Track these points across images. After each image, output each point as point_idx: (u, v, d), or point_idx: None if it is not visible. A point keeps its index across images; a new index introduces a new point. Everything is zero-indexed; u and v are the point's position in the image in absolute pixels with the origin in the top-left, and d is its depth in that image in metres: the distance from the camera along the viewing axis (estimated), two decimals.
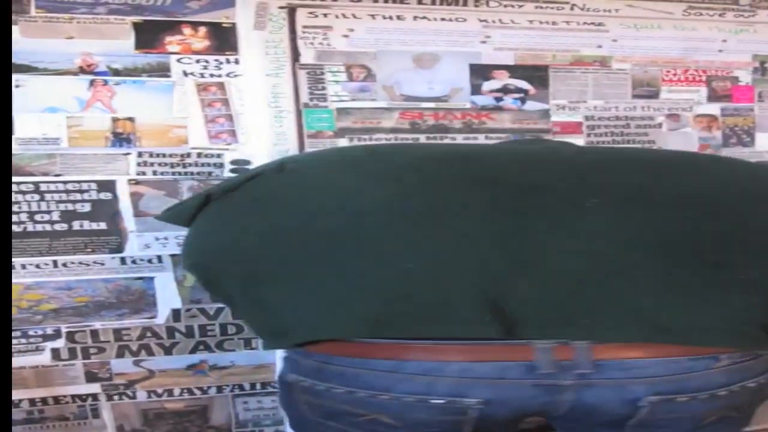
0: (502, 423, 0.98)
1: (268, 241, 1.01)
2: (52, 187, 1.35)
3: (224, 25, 1.41)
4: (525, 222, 0.99)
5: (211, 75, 1.41)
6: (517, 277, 0.96)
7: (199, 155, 1.41)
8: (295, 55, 1.45)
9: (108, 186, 1.38)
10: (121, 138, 1.38)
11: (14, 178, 1.33)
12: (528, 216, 1.00)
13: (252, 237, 1.03)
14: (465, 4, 1.52)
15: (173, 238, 1.41)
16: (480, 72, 1.55)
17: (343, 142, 1.48)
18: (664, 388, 0.94)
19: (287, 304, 0.99)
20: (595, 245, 0.98)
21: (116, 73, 1.37)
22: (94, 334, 1.42)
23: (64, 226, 1.37)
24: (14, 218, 1.34)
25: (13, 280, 1.36)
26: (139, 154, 1.39)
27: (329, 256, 0.98)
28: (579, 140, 1.60)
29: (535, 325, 0.94)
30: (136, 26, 1.37)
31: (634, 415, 0.96)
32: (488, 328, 0.93)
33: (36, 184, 1.35)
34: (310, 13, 1.45)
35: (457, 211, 1.00)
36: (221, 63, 1.41)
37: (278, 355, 1.47)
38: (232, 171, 1.42)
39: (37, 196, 1.35)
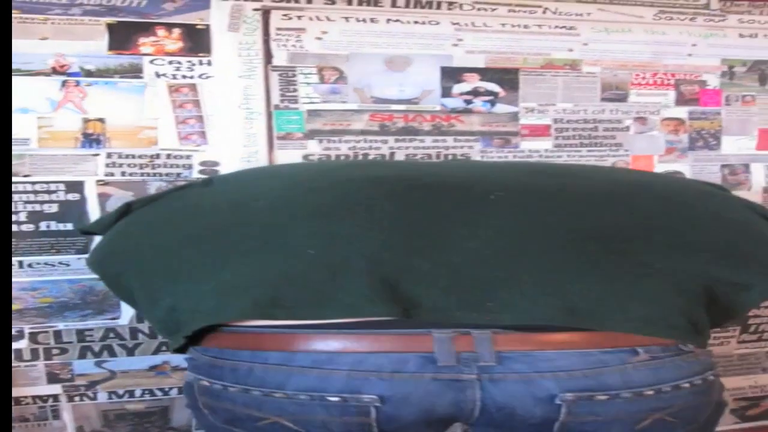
0: (411, 427, 1.02)
1: (170, 241, 1.18)
2: (20, 187, 1.52)
3: (198, 26, 1.59)
4: (426, 210, 1.14)
5: (184, 76, 1.59)
6: (417, 260, 1.06)
7: (168, 156, 1.60)
8: (268, 57, 1.64)
9: (76, 187, 1.56)
10: (91, 139, 1.55)
11: None
12: (429, 205, 1.15)
13: (156, 238, 1.20)
14: (438, 7, 1.73)
15: None
16: (451, 75, 1.76)
17: (312, 144, 1.68)
18: (577, 384, 0.99)
19: (184, 297, 1.09)
20: (499, 231, 1.10)
21: (89, 74, 1.54)
22: (57, 335, 1.60)
23: (30, 227, 1.54)
24: None
25: None
26: (108, 155, 1.56)
27: (225, 248, 1.11)
28: (547, 143, 1.83)
29: (435, 307, 1.02)
30: (110, 27, 1.55)
31: (556, 417, 1.00)
32: (384, 308, 1.00)
33: None
34: (284, 15, 1.65)
35: (357, 203, 1.15)
36: (194, 64, 1.60)
37: None
38: (200, 172, 1.65)
39: None
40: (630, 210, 1.20)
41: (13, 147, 1.51)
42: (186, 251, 1.15)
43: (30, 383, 1.63)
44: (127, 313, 1.63)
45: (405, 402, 0.99)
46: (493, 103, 1.79)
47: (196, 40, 1.61)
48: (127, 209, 1.31)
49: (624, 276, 1.09)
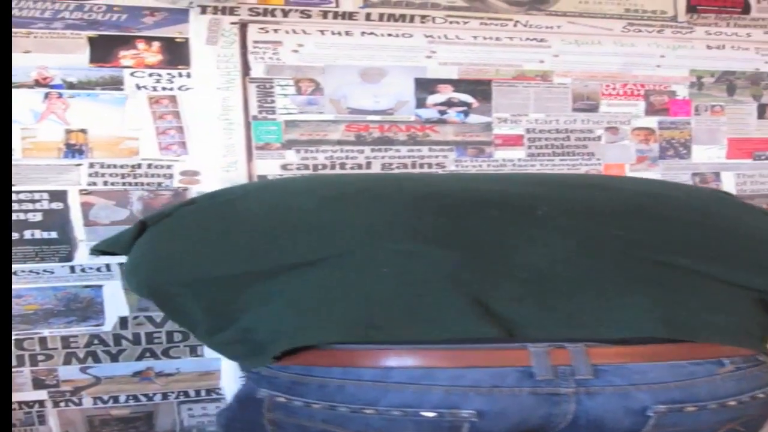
0: None
1: (230, 258, 1.13)
2: None
3: (177, 40, 1.63)
4: (484, 227, 1.14)
5: (164, 88, 1.62)
6: (498, 278, 1.06)
7: (149, 166, 1.63)
8: (246, 69, 1.68)
9: (60, 196, 1.58)
10: (73, 149, 1.58)
11: None
12: (485, 222, 1.15)
13: (211, 255, 1.15)
14: (411, 20, 1.77)
15: None
16: (425, 86, 1.79)
17: (290, 154, 1.71)
18: (670, 396, 0.99)
19: (262, 318, 1.07)
20: (564, 247, 1.11)
21: (71, 86, 1.57)
22: (42, 341, 1.62)
23: (15, 236, 1.56)
24: None
25: None
26: (91, 165, 1.59)
27: (296, 266, 1.09)
28: (520, 152, 1.86)
29: (533, 325, 1.01)
30: (91, 41, 1.58)
31: (641, 428, 1.00)
32: (487, 328, 0.99)
33: None
34: (261, 28, 1.68)
35: (415, 221, 1.14)
36: (173, 76, 1.63)
37: (224, 366, 1.72)
38: (181, 182, 1.65)
39: None
40: (674, 223, 1.22)
41: None
42: (253, 269, 1.13)
43: (16, 389, 1.64)
44: (110, 319, 1.65)
45: (501, 416, 0.98)
46: (466, 114, 1.82)
47: (176, 53, 1.64)
48: (143, 227, 1.26)
49: (700, 288, 1.11)
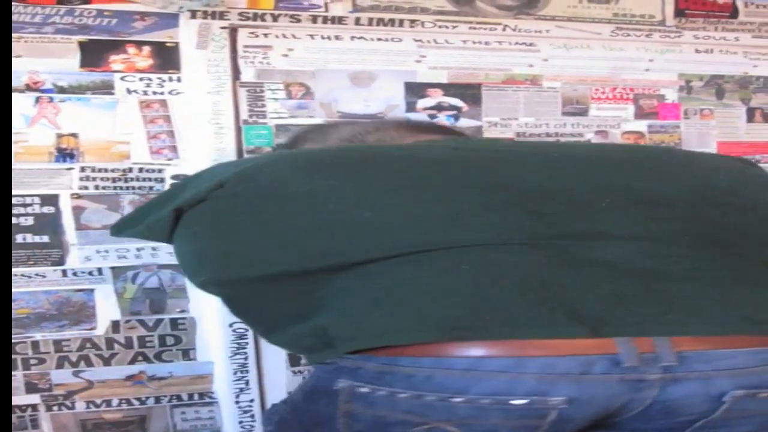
0: (576, 427, 1.00)
1: (305, 252, 1.08)
2: None
3: (168, 44, 1.63)
4: (550, 220, 1.09)
5: (154, 93, 1.63)
6: (576, 276, 1.03)
7: (140, 170, 1.63)
8: (236, 73, 1.69)
9: (51, 200, 1.58)
10: (64, 153, 1.59)
11: None
12: (549, 215, 1.09)
13: (280, 250, 1.09)
14: (401, 24, 1.78)
15: (114, 251, 1.62)
16: (415, 90, 1.80)
17: None
18: (749, 381, 0.97)
19: (340, 314, 1.04)
20: (638, 243, 1.08)
21: (62, 90, 1.58)
22: (35, 345, 1.62)
23: None
24: None
25: None
26: (82, 169, 1.60)
27: (378, 261, 1.05)
28: None
29: (620, 323, 0.98)
30: (82, 45, 1.59)
31: (711, 414, 0.98)
32: (573, 329, 0.96)
33: None
34: (251, 33, 1.69)
35: (496, 215, 1.09)
36: (164, 81, 1.63)
37: (217, 370, 1.73)
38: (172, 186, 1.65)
39: None
40: (738, 212, 1.19)
41: None
42: (330, 263, 1.08)
43: None
44: (103, 323, 1.65)
45: (588, 403, 0.96)
46: (456, 118, 1.82)
47: (166, 58, 1.64)
48: (179, 213, 1.19)
49: None
